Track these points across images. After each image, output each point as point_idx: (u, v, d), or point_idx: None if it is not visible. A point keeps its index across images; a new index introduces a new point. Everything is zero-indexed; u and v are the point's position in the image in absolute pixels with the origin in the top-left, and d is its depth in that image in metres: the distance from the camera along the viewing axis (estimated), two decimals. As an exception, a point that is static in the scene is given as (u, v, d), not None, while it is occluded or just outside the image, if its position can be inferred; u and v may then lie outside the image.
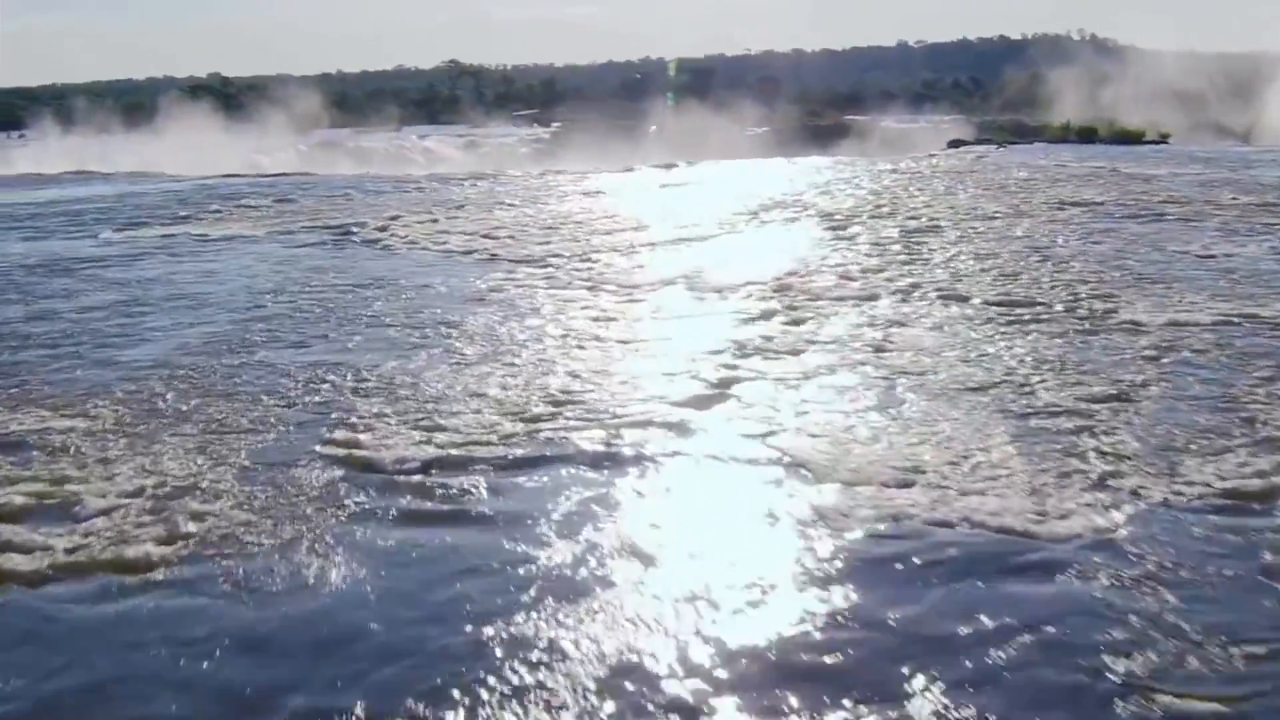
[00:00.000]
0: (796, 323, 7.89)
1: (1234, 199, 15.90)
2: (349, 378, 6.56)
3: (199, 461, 5.05)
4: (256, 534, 4.25)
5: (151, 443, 5.37)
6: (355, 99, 61.66)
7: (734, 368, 6.60)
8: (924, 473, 4.75)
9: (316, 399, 6.12)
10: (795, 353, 7.00)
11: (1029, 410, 5.65)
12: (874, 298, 8.80)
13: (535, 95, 69.76)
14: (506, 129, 54.04)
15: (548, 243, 12.37)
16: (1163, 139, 33.75)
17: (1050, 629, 3.48)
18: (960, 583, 3.78)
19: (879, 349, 7.07)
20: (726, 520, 4.37)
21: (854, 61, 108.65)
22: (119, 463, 5.04)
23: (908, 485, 4.61)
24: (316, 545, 4.16)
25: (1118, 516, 4.23)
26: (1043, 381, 6.19)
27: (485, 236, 13.01)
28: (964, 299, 8.71)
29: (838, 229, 13.02)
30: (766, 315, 8.13)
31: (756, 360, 6.82)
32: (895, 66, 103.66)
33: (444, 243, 12.49)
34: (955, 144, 33.56)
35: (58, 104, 50.23)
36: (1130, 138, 33.13)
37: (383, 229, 13.91)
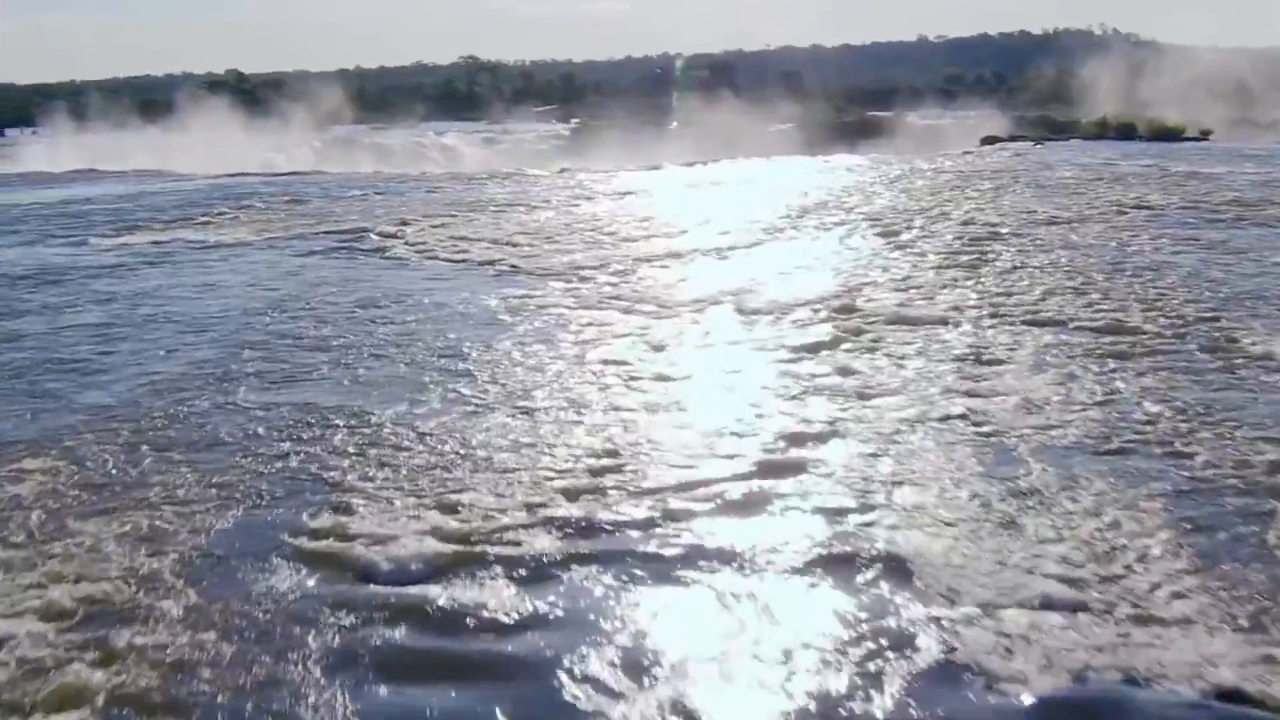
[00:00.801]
0: (868, 352, 6.71)
1: (1305, 200, 14.70)
2: (343, 429, 5.41)
3: (140, 558, 3.90)
4: (201, 682, 3.11)
5: (86, 522, 4.24)
6: (373, 95, 60.56)
7: (805, 418, 5.42)
8: (1084, 588, 3.57)
9: (301, 461, 4.97)
10: (873, 395, 5.82)
11: (1190, 483, 4.45)
12: (951, 321, 7.61)
13: (554, 91, 68.49)
14: (526, 125, 52.88)
15: (574, 252, 11.22)
16: (1204, 135, 32.37)
17: None
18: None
19: (973, 390, 5.88)
20: (836, 659, 3.20)
21: (874, 56, 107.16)
22: (40, 559, 3.90)
23: (1069, 609, 3.43)
24: (283, 702, 3.02)
25: (1383, 669, 3.05)
26: (1192, 439, 4.99)
27: (505, 244, 11.87)
28: (1055, 323, 7.51)
29: (891, 235, 11.82)
30: (832, 344, 6.94)
31: (829, 405, 5.64)
32: (915, 62, 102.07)
33: (461, 251, 11.35)
34: (989, 141, 32.26)
35: (74, 100, 49.33)
36: (1170, 134, 31.76)
37: (396, 235, 12.79)
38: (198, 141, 37.48)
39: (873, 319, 7.72)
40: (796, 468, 4.71)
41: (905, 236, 11.73)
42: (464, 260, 10.81)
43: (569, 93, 66.40)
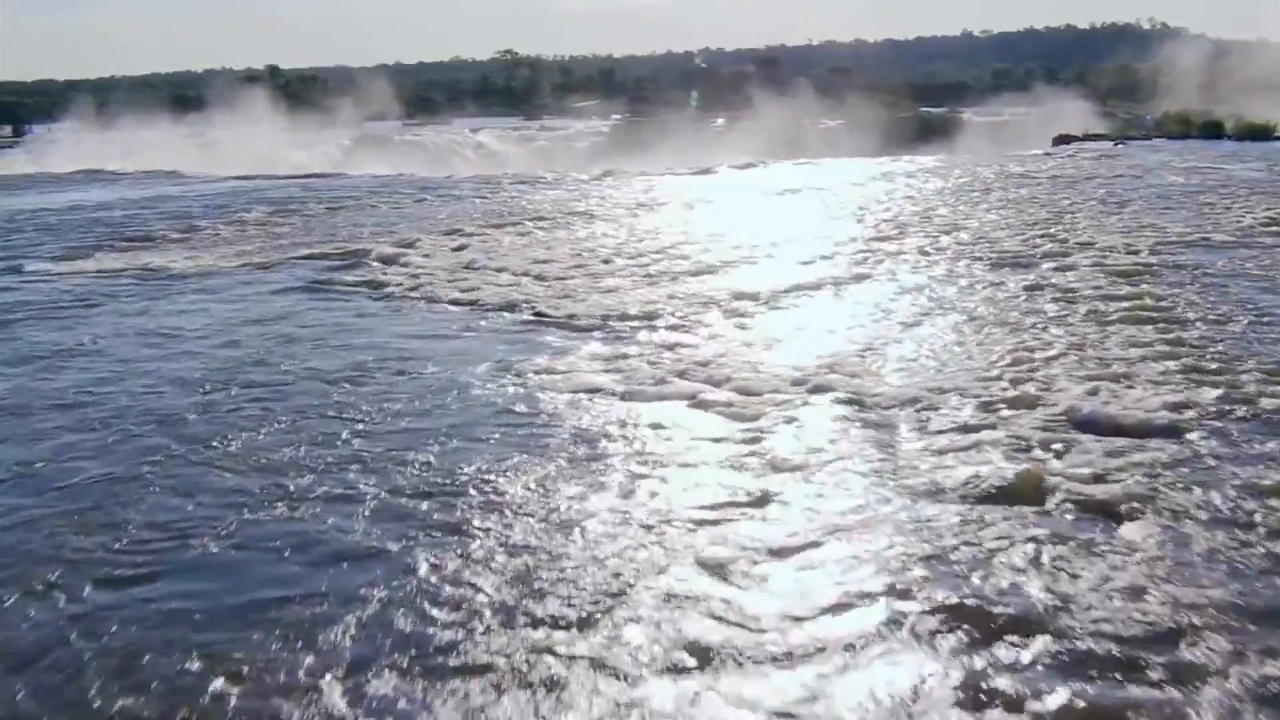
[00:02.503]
0: (1091, 503, 4.09)
1: None
2: (240, 696, 2.89)
3: None
4: None
5: None
6: (409, 91, 57.98)
7: (1046, 689, 2.84)
8: None
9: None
10: (1139, 622, 3.22)
11: None
12: (1182, 427, 4.98)
13: (594, 86, 65.51)
14: (564, 121, 50.31)
15: (618, 289, 8.67)
16: (1297, 134, 29.18)
17: None
18: None
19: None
20: None
21: (918, 51, 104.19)
22: None
23: None
24: None
25: None
26: None
27: (532, 276, 9.35)
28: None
29: (1021, 267, 9.17)
30: (1028, 487, 4.30)
31: (1094, 665, 3.03)
32: (961, 56, 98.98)
33: (473, 288, 8.81)
34: (1062, 140, 29.31)
35: (101, 95, 47.26)
36: (1261, 133, 28.60)
37: (399, 260, 10.30)
38: (222, 140, 35.26)
39: (1061, 422, 5.10)
40: None
41: (1039, 270, 9.08)
42: (476, 303, 8.28)
43: (609, 88, 63.45)
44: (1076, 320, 7.29)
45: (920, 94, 55.55)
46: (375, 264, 10.12)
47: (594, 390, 5.75)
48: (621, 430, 5.08)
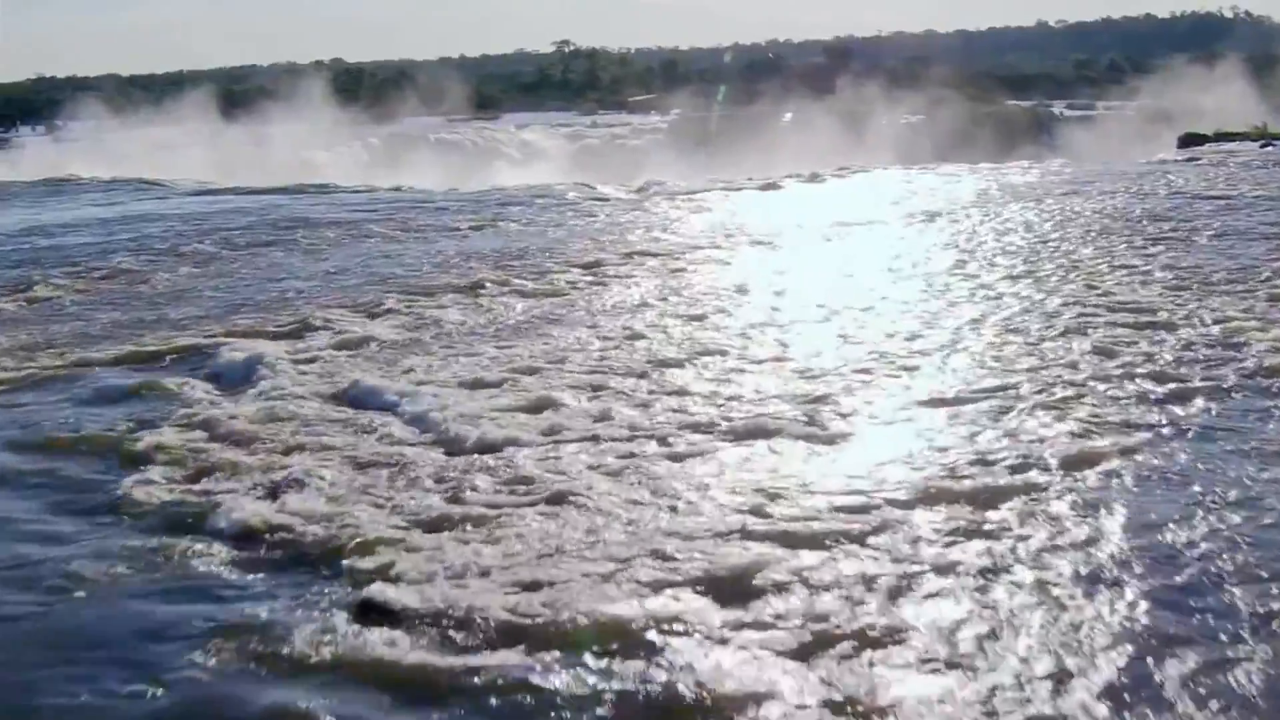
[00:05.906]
0: None
1: None
2: None
3: None
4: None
5: None
6: (462, 84, 53.30)
7: None
8: None
9: None
10: None
11: None
12: None
13: (654, 79, 60.06)
14: (621, 116, 45.57)
15: (597, 511, 3.96)
16: None
17: None
18: None
19: None
20: None
21: (991, 42, 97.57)
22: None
23: None
24: None
25: None
26: None
27: (438, 439, 4.67)
28: None
29: None
30: None
31: None
32: (1036, 48, 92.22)
33: (306, 486, 4.18)
34: (1191, 140, 23.86)
35: (137, 92, 43.60)
36: None
37: (251, 376, 5.74)
38: (242, 140, 31.17)
39: None
40: None
41: None
42: (284, 544, 3.66)
43: (670, 80, 58.02)
44: None
45: (1001, 86, 49.75)
46: (197, 386, 5.57)
47: None
48: None
